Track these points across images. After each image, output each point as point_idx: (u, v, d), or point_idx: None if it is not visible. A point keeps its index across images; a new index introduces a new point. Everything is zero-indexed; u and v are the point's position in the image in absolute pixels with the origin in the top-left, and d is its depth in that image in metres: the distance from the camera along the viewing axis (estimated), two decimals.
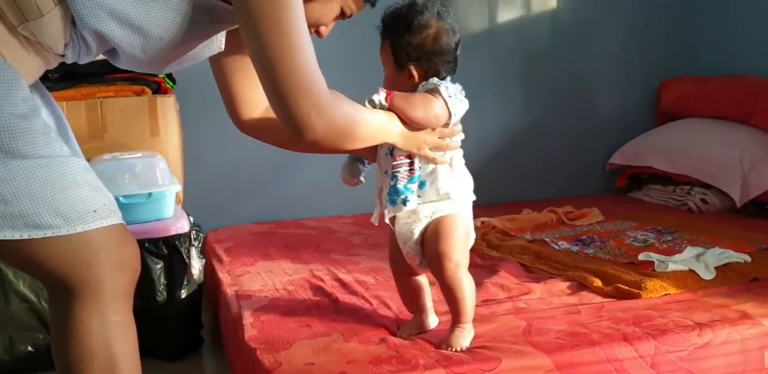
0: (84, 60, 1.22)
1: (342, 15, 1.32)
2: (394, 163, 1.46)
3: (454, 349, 1.45)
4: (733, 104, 3.00)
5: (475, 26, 3.17)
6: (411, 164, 1.46)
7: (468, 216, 1.52)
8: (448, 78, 1.47)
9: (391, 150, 1.47)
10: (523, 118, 3.32)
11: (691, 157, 2.93)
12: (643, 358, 1.48)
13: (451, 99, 1.42)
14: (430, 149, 1.44)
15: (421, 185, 1.46)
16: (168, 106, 2.39)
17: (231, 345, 1.84)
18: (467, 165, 1.53)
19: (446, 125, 1.45)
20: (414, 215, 1.48)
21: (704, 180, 2.88)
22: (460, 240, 1.47)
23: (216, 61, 1.43)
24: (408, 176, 1.45)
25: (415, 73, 1.46)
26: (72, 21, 1.12)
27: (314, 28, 1.30)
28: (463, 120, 1.49)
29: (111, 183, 2.05)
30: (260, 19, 1.11)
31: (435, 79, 1.45)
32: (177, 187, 2.16)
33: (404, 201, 1.45)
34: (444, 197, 1.47)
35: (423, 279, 1.59)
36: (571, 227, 2.61)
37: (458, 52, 1.49)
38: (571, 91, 3.36)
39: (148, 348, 2.09)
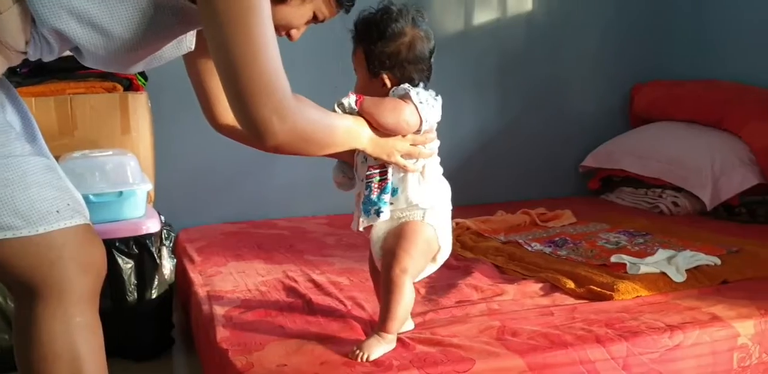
0: (47, 58, 1.20)
1: (315, 19, 1.30)
2: (367, 172, 1.44)
3: (361, 356, 1.38)
4: (705, 108, 3.04)
5: (450, 28, 3.18)
6: (383, 174, 1.43)
7: (439, 226, 1.46)
8: (421, 84, 1.45)
9: (366, 157, 1.44)
10: (498, 120, 3.33)
11: (662, 160, 2.96)
12: (615, 360, 1.49)
13: (422, 105, 1.39)
14: (401, 156, 1.41)
15: (394, 192, 1.43)
16: (140, 104, 2.36)
17: (202, 346, 1.82)
18: (443, 166, 1.51)
19: (418, 132, 1.42)
20: (388, 221, 1.45)
21: (676, 183, 2.91)
22: (417, 248, 1.42)
23: (190, 60, 1.41)
24: (380, 186, 1.42)
25: (388, 81, 1.44)
26: (33, 19, 1.10)
27: (285, 30, 1.29)
28: (439, 122, 1.48)
29: (81, 181, 2.02)
30: (225, 20, 1.08)
31: (406, 85, 1.42)
32: (148, 186, 2.13)
33: (378, 212, 1.41)
34: (413, 206, 1.44)
35: None
36: (544, 229, 2.62)
37: (433, 59, 1.47)
38: (545, 94, 3.39)
39: (117, 348, 2.09)
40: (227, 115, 1.44)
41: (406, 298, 1.41)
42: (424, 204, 1.44)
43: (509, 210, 2.85)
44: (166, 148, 2.74)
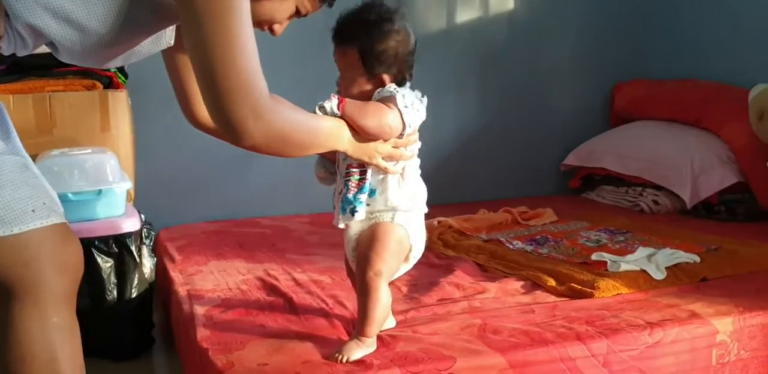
0: (21, 53, 1.18)
1: (297, 14, 1.29)
2: (346, 170, 1.42)
3: (341, 358, 1.37)
4: (684, 107, 3.06)
5: (432, 27, 3.18)
6: (362, 173, 1.41)
7: (409, 226, 1.45)
8: (407, 84, 1.43)
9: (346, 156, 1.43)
10: (480, 118, 3.34)
11: (643, 158, 2.98)
12: (596, 357, 1.50)
13: (406, 109, 1.36)
14: (382, 158, 1.40)
15: (371, 193, 1.41)
16: (119, 101, 2.34)
17: (183, 345, 1.81)
18: (424, 165, 1.50)
19: (401, 135, 1.40)
20: (361, 221, 1.44)
21: (656, 181, 2.93)
22: (390, 250, 1.41)
23: (169, 55, 1.39)
24: (357, 186, 1.40)
25: (387, 79, 1.41)
26: (6, 14, 1.08)
27: (267, 25, 1.28)
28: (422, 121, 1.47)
29: (59, 179, 2.01)
30: (203, 17, 1.06)
31: (392, 87, 1.40)
32: (128, 184, 2.12)
33: (353, 212, 1.39)
34: (390, 208, 1.42)
35: None
36: (526, 227, 2.63)
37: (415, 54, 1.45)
38: (526, 93, 3.40)
39: (97, 348, 2.07)
40: (206, 111, 1.42)
41: (382, 301, 1.40)
42: (403, 206, 1.43)
43: (491, 208, 2.85)
44: (147, 146, 2.72)
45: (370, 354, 1.41)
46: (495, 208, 2.84)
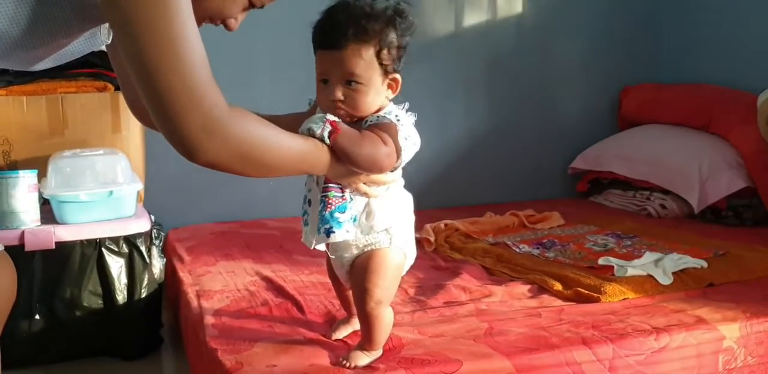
0: None
1: (251, 6, 1.14)
2: (324, 184, 1.29)
3: (349, 364, 1.36)
4: (692, 112, 3.06)
5: (440, 30, 3.18)
6: (342, 190, 1.29)
7: (406, 244, 1.39)
8: (404, 108, 1.31)
9: None
10: (487, 121, 3.34)
11: (651, 162, 2.98)
12: (602, 362, 1.50)
13: (406, 141, 1.24)
14: (364, 183, 1.29)
15: (353, 219, 1.31)
16: None
17: (191, 345, 1.82)
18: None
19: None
20: (347, 245, 1.36)
21: (663, 186, 2.93)
22: (387, 277, 1.35)
23: (114, 48, 1.25)
24: (337, 203, 1.28)
25: (395, 83, 1.28)
26: None
27: (219, 20, 1.14)
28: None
29: (71, 180, 2.03)
30: (134, 20, 0.91)
31: (394, 112, 1.27)
32: (138, 185, 2.14)
33: (328, 232, 1.28)
34: (384, 229, 1.34)
35: None
36: (533, 230, 2.63)
37: None
38: (534, 96, 3.40)
39: (107, 347, 2.10)
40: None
41: (385, 324, 1.38)
42: (396, 223, 1.36)
43: (498, 211, 2.85)
44: (157, 148, 2.73)
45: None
46: (502, 211, 2.84)
